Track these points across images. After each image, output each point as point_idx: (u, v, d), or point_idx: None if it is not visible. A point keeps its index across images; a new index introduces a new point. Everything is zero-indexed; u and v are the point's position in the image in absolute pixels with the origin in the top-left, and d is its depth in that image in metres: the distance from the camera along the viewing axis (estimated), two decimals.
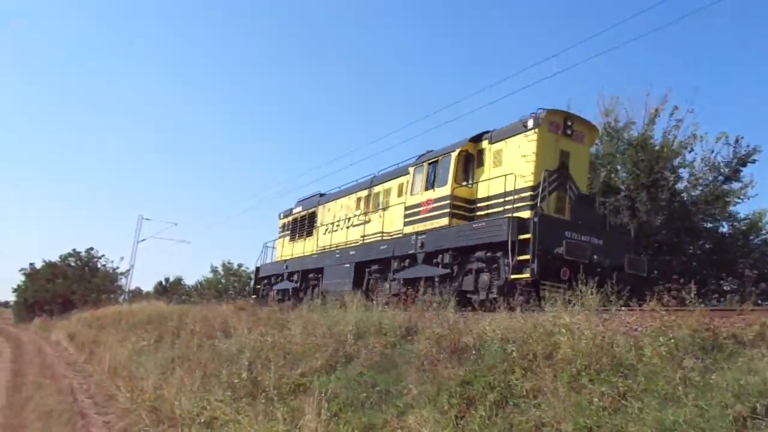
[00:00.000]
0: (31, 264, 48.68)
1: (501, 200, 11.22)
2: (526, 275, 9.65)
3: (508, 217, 10.25)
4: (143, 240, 43.52)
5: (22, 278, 49.47)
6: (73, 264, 46.16)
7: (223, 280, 41.16)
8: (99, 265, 46.43)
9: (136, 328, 19.96)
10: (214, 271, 40.98)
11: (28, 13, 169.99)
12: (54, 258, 47.19)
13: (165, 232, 46.26)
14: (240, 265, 40.80)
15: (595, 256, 10.07)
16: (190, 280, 47.34)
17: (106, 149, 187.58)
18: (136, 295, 42.15)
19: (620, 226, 13.85)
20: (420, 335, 8.74)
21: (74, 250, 47.08)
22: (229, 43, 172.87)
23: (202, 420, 7.95)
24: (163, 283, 48.45)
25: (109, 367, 12.94)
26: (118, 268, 45.25)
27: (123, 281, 43.80)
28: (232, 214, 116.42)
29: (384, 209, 14.48)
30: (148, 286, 48.56)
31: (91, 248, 47.15)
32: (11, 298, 59.19)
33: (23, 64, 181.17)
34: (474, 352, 7.13)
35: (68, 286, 43.29)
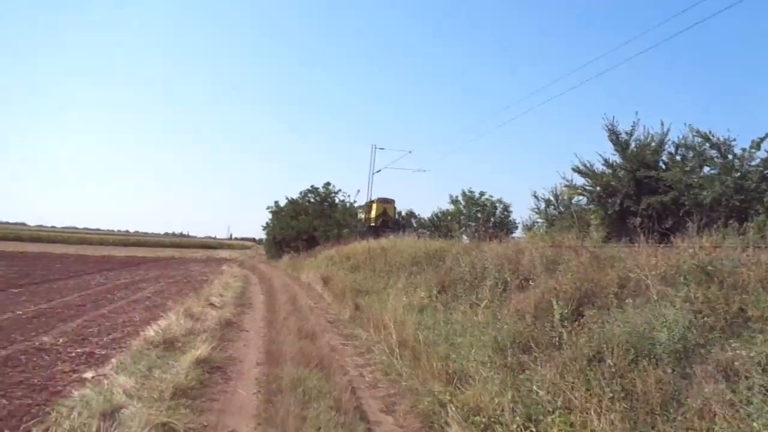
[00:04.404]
0: (276, 202, 49.51)
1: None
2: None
3: (370, 226, 37.37)
4: (378, 171, 40.66)
5: (270, 216, 51.01)
6: (312, 200, 45.59)
7: (464, 211, 36.11)
8: (337, 200, 45.14)
9: (399, 270, 15.60)
10: (454, 201, 36.08)
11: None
12: (295, 195, 47.28)
13: (399, 162, 42.93)
14: (482, 194, 35.18)
15: (388, 230, 31.37)
16: (425, 213, 43.75)
17: (337, 82, 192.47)
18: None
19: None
20: None
21: (312, 186, 46.39)
22: None
23: None
24: (396, 217, 45.82)
25: (398, 340, 8.15)
26: (355, 201, 43.34)
27: (362, 215, 41.69)
28: (468, 140, 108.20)
29: None
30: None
31: (329, 183, 45.88)
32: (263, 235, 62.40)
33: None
34: None
35: (310, 222, 42.52)
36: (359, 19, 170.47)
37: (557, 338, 6.28)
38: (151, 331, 8.71)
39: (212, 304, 12.63)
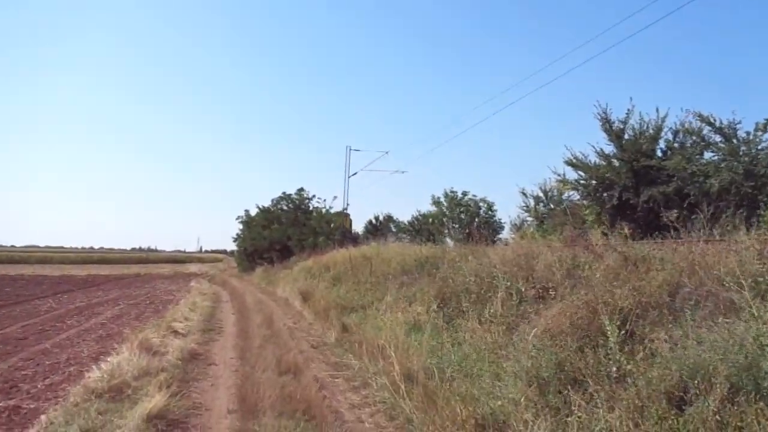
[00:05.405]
0: (246, 211, 47.24)
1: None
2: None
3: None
4: (354, 174, 38.90)
5: (240, 227, 48.62)
6: (285, 208, 43.76)
7: (447, 212, 34.50)
8: (312, 207, 43.34)
9: (387, 281, 14.10)
10: (436, 202, 34.43)
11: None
12: (267, 203, 45.37)
13: (376, 163, 41.48)
14: (465, 194, 33.61)
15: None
16: (404, 216, 42.26)
17: (308, 82, 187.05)
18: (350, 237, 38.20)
19: None
20: None
21: (285, 192, 44.47)
22: None
23: None
24: (374, 222, 44.24)
25: (402, 372, 6.65)
26: (332, 207, 41.60)
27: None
28: (447, 137, 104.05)
29: None
30: (357, 225, 44.51)
31: (302, 189, 43.97)
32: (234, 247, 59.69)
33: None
34: None
35: (284, 231, 40.63)
36: (330, 19, 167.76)
37: (616, 368, 4.87)
38: (96, 374, 7.05)
39: (175, 331, 10.94)
